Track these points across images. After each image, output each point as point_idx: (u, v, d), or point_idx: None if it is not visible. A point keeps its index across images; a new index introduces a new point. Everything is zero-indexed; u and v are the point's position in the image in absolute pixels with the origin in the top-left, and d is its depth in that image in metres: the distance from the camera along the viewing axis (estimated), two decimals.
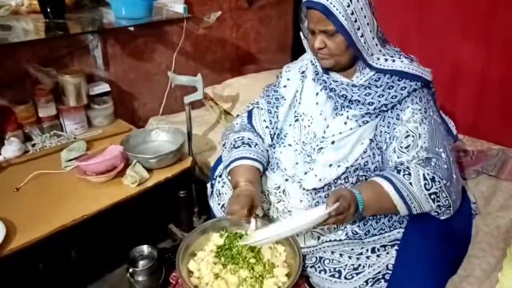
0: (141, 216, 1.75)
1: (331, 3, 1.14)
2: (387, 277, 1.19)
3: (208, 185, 1.56)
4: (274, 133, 1.43)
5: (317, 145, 1.30)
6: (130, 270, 1.58)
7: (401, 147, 1.22)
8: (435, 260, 1.17)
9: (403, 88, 1.24)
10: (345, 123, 1.27)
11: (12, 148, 1.63)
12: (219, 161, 1.57)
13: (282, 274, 1.19)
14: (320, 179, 1.27)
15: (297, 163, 1.34)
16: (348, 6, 1.15)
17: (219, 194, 1.47)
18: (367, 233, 1.24)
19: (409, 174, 1.16)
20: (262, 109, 1.46)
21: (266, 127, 1.43)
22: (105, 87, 1.88)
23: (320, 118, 1.33)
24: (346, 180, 1.28)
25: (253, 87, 2.15)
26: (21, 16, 1.57)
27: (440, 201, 1.16)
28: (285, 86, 1.43)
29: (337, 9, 1.14)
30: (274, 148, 1.43)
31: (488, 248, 1.30)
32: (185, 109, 1.75)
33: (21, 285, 1.46)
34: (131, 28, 1.73)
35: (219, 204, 1.46)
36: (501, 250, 1.28)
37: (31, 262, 1.44)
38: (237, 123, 1.50)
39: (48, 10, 1.47)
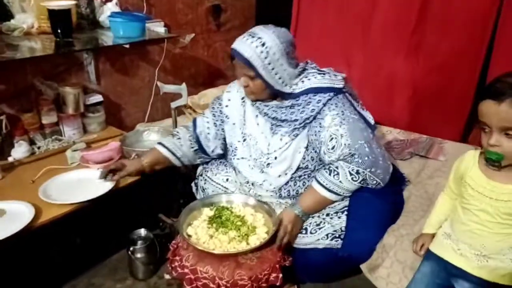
0: (135, 207, 2.01)
1: (251, 56, 1.39)
2: (342, 236, 1.50)
3: (193, 184, 1.88)
4: (223, 144, 1.74)
5: (265, 162, 1.60)
6: (131, 248, 1.84)
7: (328, 149, 1.48)
8: (379, 220, 1.53)
9: (319, 101, 1.48)
10: (281, 139, 1.56)
11: (21, 150, 1.87)
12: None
13: (263, 232, 1.52)
14: (274, 186, 1.61)
15: (252, 174, 1.65)
16: (266, 58, 1.40)
17: (203, 190, 1.81)
18: None
19: (338, 174, 1.46)
20: (208, 122, 1.73)
21: (209, 133, 1.72)
22: (98, 98, 2.17)
23: (262, 137, 1.60)
24: (295, 180, 1.60)
25: None
26: (32, 36, 1.84)
27: (369, 184, 1.49)
28: (227, 106, 1.69)
29: (256, 62, 1.40)
30: (228, 158, 1.73)
31: (418, 205, 1.69)
32: (171, 113, 2.07)
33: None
34: (127, 46, 2.04)
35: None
36: (427, 206, 1.67)
37: (52, 237, 1.66)
38: (183, 126, 1.82)
39: (59, 31, 1.76)
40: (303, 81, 1.51)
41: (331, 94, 1.48)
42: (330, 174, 1.47)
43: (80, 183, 1.71)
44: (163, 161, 1.71)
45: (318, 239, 1.52)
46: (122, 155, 1.89)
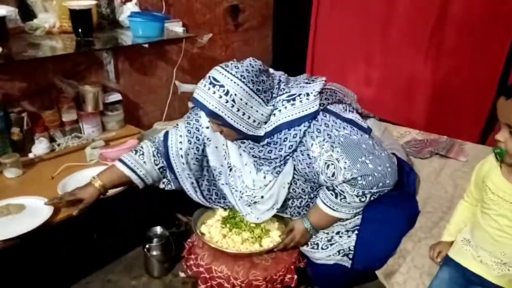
0: (151, 204, 2.03)
1: (216, 108, 1.26)
2: (350, 256, 1.46)
3: None
4: (196, 165, 1.53)
5: (251, 200, 1.49)
6: (147, 246, 1.86)
7: (328, 177, 1.34)
8: (390, 232, 1.47)
9: (295, 136, 1.34)
10: (264, 177, 1.44)
11: (42, 146, 1.90)
12: None
13: (277, 235, 1.53)
14: (258, 219, 1.51)
15: (238, 204, 1.55)
16: (233, 106, 1.27)
17: None
18: None
19: (345, 197, 1.36)
20: (180, 135, 1.52)
21: (181, 148, 1.50)
22: (117, 96, 2.19)
23: (247, 170, 1.47)
24: (284, 211, 1.54)
25: None
26: (53, 35, 1.87)
27: (376, 196, 1.37)
28: (208, 128, 1.49)
29: (223, 113, 1.27)
30: (208, 179, 1.59)
31: (438, 206, 1.66)
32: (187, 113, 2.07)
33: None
34: (146, 45, 2.06)
35: None
36: (447, 208, 1.64)
37: (69, 233, 1.69)
38: (151, 137, 1.60)
39: (80, 30, 1.78)
40: (274, 115, 1.35)
41: (306, 124, 1.33)
42: (336, 198, 1.37)
43: None
44: (122, 181, 1.50)
45: (330, 255, 1.49)
46: None
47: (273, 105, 1.36)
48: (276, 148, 1.38)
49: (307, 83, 1.43)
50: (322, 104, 1.36)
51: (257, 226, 1.55)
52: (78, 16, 1.76)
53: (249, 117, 1.31)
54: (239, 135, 1.37)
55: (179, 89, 2.01)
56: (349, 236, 1.47)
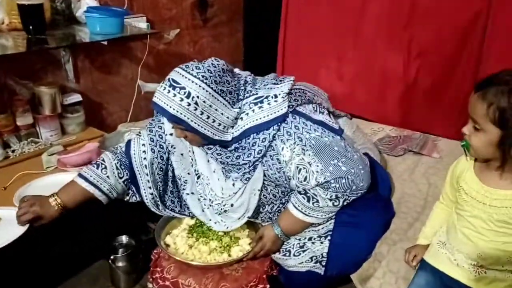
0: (118, 213, 1.92)
1: (178, 111, 1.19)
2: (323, 263, 1.40)
3: None
4: (159, 163, 1.43)
5: (221, 208, 1.41)
6: (112, 257, 1.75)
7: (300, 181, 1.28)
8: (364, 246, 1.41)
9: (264, 140, 1.28)
10: (233, 184, 1.37)
11: None
12: None
13: (246, 243, 1.45)
14: (228, 227, 1.43)
15: (203, 211, 1.47)
16: (196, 109, 1.19)
17: None
18: None
19: (317, 201, 1.29)
20: (143, 144, 1.42)
21: (145, 158, 1.40)
22: (77, 97, 2.06)
23: (215, 177, 1.41)
24: (255, 217, 1.45)
25: None
26: (2, 33, 1.73)
27: (350, 200, 1.31)
28: (171, 134, 1.40)
29: (185, 117, 1.19)
30: (172, 188, 1.49)
31: (412, 206, 1.61)
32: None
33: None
34: (105, 42, 1.94)
35: None
36: (421, 207, 1.60)
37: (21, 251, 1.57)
38: (112, 148, 1.50)
39: (30, 27, 1.65)
40: (242, 118, 1.29)
41: (275, 127, 1.27)
42: (308, 201, 1.30)
43: (57, 188, 1.60)
44: (85, 198, 1.39)
45: (302, 262, 1.43)
46: None
47: (239, 108, 1.28)
48: (244, 153, 1.31)
49: (274, 83, 1.35)
50: (291, 106, 1.29)
51: (225, 234, 1.47)
52: (28, 12, 1.63)
53: (214, 121, 1.24)
54: (204, 140, 1.30)
55: (142, 89, 1.90)
56: (321, 242, 1.41)
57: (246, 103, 1.29)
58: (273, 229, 1.39)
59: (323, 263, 1.40)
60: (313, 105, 1.38)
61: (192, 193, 1.48)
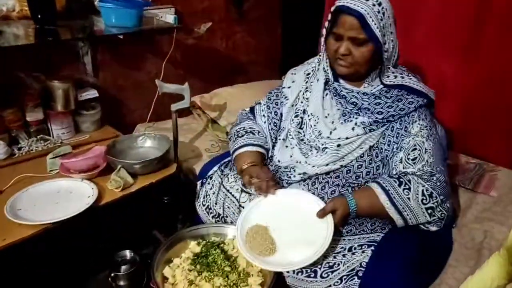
0: (125, 222, 1.76)
1: (368, 13, 1.19)
2: (360, 274, 1.19)
3: (198, 183, 1.59)
4: (272, 129, 1.52)
5: (322, 144, 1.36)
6: (112, 274, 1.59)
7: (408, 158, 1.28)
8: (411, 262, 1.18)
9: (411, 103, 1.30)
10: (353, 128, 1.33)
11: None
12: (211, 163, 1.63)
13: (256, 283, 1.22)
14: (313, 166, 1.35)
15: (291, 156, 1.41)
16: (381, 19, 1.22)
17: (206, 195, 1.51)
18: (348, 231, 1.28)
19: (409, 188, 1.22)
20: (262, 110, 1.56)
21: (264, 122, 1.53)
22: (93, 93, 1.91)
23: (326, 120, 1.38)
24: (336, 177, 1.35)
25: (240, 98, 2.19)
26: (12, 21, 1.59)
27: (435, 215, 1.24)
28: (289, 87, 1.50)
29: (372, 20, 1.20)
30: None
31: (462, 258, 1.33)
32: (171, 116, 1.77)
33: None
34: (120, 36, 1.76)
35: (203, 205, 1.49)
36: (474, 260, 1.31)
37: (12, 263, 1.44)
38: (238, 118, 1.63)
39: (39, 16, 1.49)
40: (395, 76, 1.33)
41: (425, 100, 1.31)
42: (399, 186, 1.23)
43: (58, 196, 1.48)
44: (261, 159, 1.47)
45: (330, 285, 1.21)
46: (109, 163, 1.63)
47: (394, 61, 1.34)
48: (386, 103, 1.32)
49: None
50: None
51: (233, 269, 1.26)
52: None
53: (386, 50, 1.26)
54: (361, 68, 1.29)
55: (160, 89, 1.70)
56: (363, 251, 1.23)
57: (404, 71, 1.37)
58: (347, 204, 1.24)
59: (360, 274, 1.18)
60: (437, 126, 1.44)
61: (283, 139, 1.47)
